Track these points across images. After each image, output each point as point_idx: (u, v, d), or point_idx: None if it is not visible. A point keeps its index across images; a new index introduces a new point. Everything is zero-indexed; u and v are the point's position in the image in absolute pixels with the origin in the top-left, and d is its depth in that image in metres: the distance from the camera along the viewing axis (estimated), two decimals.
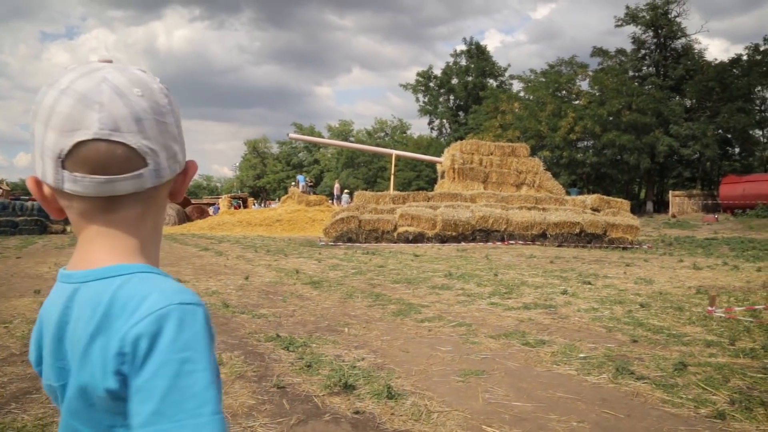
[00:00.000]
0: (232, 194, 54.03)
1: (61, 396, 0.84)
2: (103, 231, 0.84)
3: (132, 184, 0.81)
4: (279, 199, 41.72)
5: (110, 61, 0.85)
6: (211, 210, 38.79)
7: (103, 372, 0.76)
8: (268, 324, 6.10)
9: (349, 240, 17.91)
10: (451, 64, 65.36)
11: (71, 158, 0.78)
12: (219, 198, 45.84)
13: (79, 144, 0.78)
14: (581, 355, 4.87)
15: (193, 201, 42.81)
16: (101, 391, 0.76)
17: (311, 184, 38.07)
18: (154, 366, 0.73)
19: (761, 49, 42.13)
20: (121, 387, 0.75)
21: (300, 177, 37.92)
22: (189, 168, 0.92)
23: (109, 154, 0.79)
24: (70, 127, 0.77)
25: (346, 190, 37.17)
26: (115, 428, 0.80)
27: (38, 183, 0.84)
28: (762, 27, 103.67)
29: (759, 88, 43.00)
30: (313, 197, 31.86)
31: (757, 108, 44.29)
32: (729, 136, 43.20)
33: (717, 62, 44.95)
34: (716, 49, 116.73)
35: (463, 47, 65.55)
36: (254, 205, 49.69)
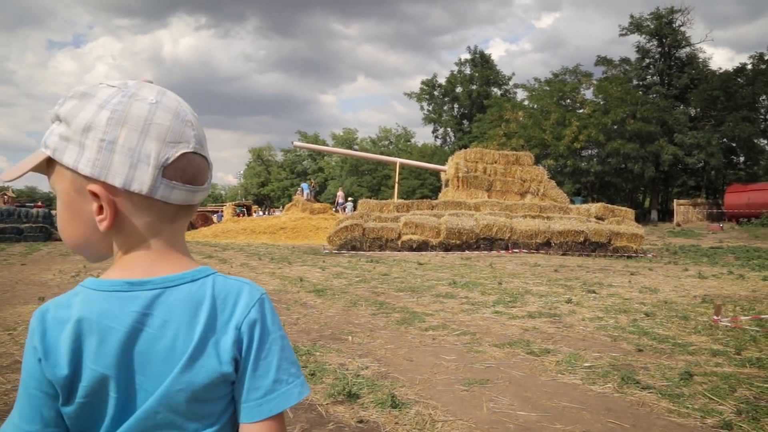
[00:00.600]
0: (236, 202, 54.17)
1: (111, 409, 0.85)
2: (170, 238, 0.92)
3: (204, 194, 0.94)
4: (283, 207, 41.75)
5: (151, 82, 0.93)
6: (214, 217, 38.84)
7: (219, 362, 0.86)
8: None
9: (353, 248, 17.90)
10: (455, 72, 65.50)
11: (172, 167, 0.87)
12: (223, 206, 45.85)
13: (182, 155, 0.88)
14: (586, 364, 4.85)
15: (198, 209, 42.91)
16: (216, 379, 0.86)
17: (316, 189, 38.07)
18: (267, 345, 0.89)
19: (766, 58, 42.09)
20: (233, 371, 0.88)
21: (304, 185, 37.95)
22: None
23: (201, 167, 0.91)
24: (173, 139, 0.87)
25: (350, 198, 37.17)
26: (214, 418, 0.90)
27: (108, 189, 0.86)
28: (766, 36, 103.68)
29: (764, 96, 42.91)
30: (317, 205, 31.90)
31: (762, 117, 44.18)
32: (734, 144, 43.07)
33: (721, 71, 44.91)
34: (721, 58, 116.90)
35: (468, 56, 65.73)
36: (258, 212, 49.76)
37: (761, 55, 42.41)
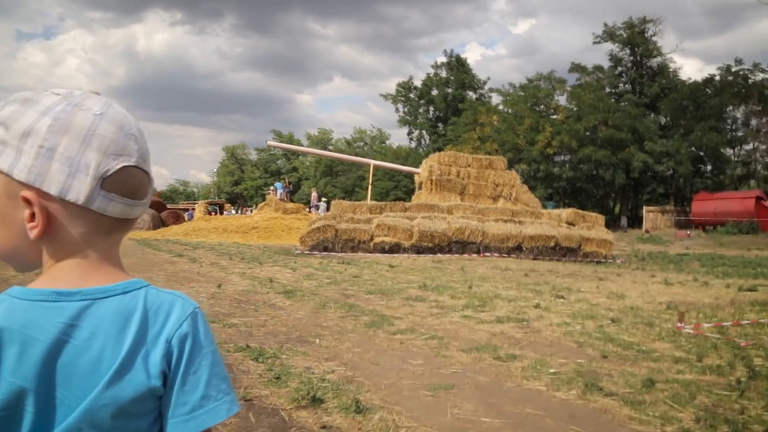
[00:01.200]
0: (209, 200, 53.54)
1: (29, 424, 0.81)
2: (104, 251, 0.90)
3: (143, 209, 0.92)
4: (256, 206, 41.37)
5: (98, 94, 0.92)
6: (186, 216, 38.34)
7: (147, 376, 0.84)
8: (238, 334, 6.01)
9: (325, 249, 17.82)
10: (431, 75, 65.82)
11: (110, 179, 0.85)
12: (195, 204, 45.25)
13: (122, 168, 0.86)
14: (551, 371, 4.88)
15: (169, 206, 42.28)
16: (143, 393, 0.84)
17: (290, 189, 37.71)
18: (197, 359, 0.87)
19: (733, 70, 43.24)
20: (162, 385, 0.85)
21: (278, 184, 37.65)
22: None
23: (142, 181, 0.90)
24: (115, 151, 0.85)
25: (323, 199, 37.02)
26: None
27: (40, 195, 0.84)
28: (734, 49, 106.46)
29: (730, 107, 44.07)
30: (290, 205, 31.69)
31: (729, 127, 45.36)
32: (701, 153, 44.15)
33: (691, 81, 46.07)
34: (690, 69, 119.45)
35: (444, 59, 66.09)
36: (231, 211, 49.25)
37: (728, 68, 43.58)
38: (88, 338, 0.83)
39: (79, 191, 0.84)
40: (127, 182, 0.87)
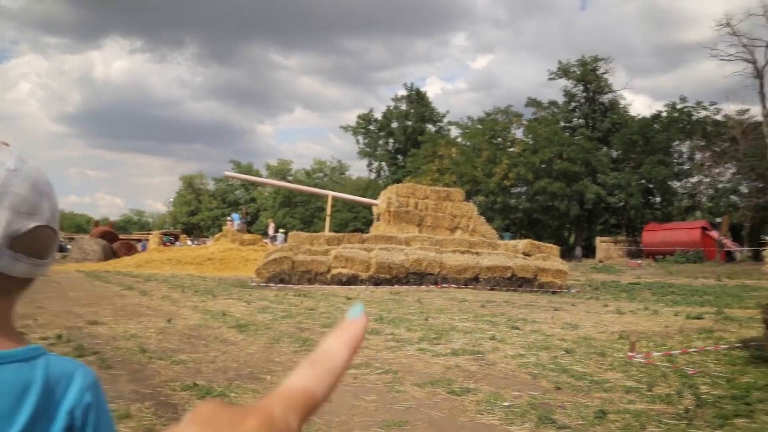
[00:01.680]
0: (164, 230, 52.35)
1: None
2: (1, 313, 0.85)
3: (48, 268, 0.87)
4: (212, 237, 40.60)
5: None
6: (139, 246, 37.33)
7: None
8: (186, 371, 5.81)
9: (282, 281, 17.56)
10: (391, 108, 66.59)
11: (20, 239, 0.81)
12: (149, 234, 44.14)
13: (34, 228, 0.82)
14: (505, 404, 4.85)
15: (121, 236, 41.12)
16: None
17: (247, 220, 37.16)
18: (102, 428, 0.85)
19: (678, 107, 45.25)
20: None
21: (235, 215, 37.12)
22: None
23: (50, 241, 0.86)
24: (27, 210, 0.81)
25: (281, 230, 36.63)
26: None
27: None
28: (679, 87, 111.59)
29: (677, 142, 45.93)
30: (247, 236, 31.23)
31: (675, 161, 47.15)
32: (651, 186, 45.66)
33: (640, 117, 47.88)
34: (640, 105, 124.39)
35: (404, 92, 67.02)
36: (187, 242, 48.23)
37: (674, 105, 45.57)
38: None
39: None
40: (38, 242, 0.84)
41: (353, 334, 0.42)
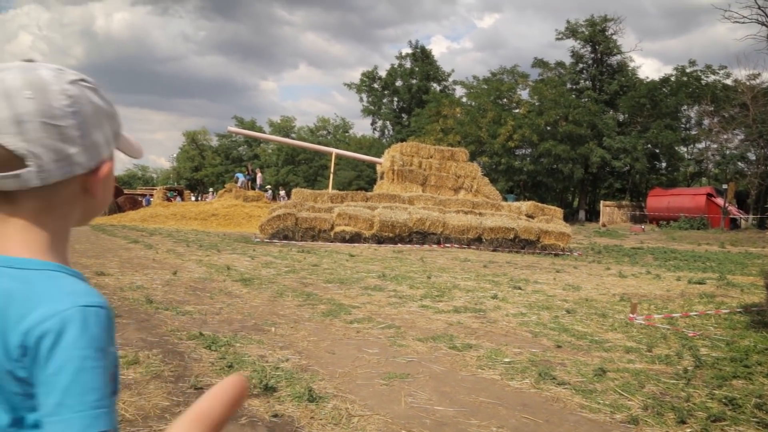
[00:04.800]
0: (168, 186, 52.39)
1: None
2: (12, 222, 0.88)
3: (12, 182, 0.84)
4: (215, 193, 40.54)
5: (31, 60, 0.88)
6: (143, 201, 37.42)
7: (7, 358, 0.81)
8: (192, 321, 5.88)
9: (285, 237, 17.64)
10: (396, 66, 65.68)
11: None
12: (154, 189, 44.16)
13: None
14: (506, 360, 4.92)
15: (126, 191, 41.18)
16: (5, 373, 0.82)
17: (251, 176, 36.93)
18: (57, 362, 0.80)
19: (687, 71, 44.49)
20: (27, 375, 0.81)
21: (239, 174, 37.01)
22: (101, 168, 0.93)
23: None
24: None
25: (269, 186, 36.30)
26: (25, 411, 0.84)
27: None
28: (689, 50, 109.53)
29: (685, 107, 45.34)
30: (251, 192, 31.23)
31: (683, 126, 46.68)
32: (657, 150, 45.28)
33: (648, 80, 47.13)
34: (649, 69, 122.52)
35: (409, 50, 66.01)
36: (191, 197, 48.26)
37: (683, 69, 44.79)
38: None
39: None
40: None
41: (235, 393, 0.37)
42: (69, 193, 0.92)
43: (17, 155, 0.83)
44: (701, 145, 46.15)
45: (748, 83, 38.94)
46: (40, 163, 0.85)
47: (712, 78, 43.84)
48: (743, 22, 36.12)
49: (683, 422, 3.59)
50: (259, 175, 37.15)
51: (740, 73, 40.87)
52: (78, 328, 0.82)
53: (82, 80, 0.91)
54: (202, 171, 79.00)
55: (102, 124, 0.92)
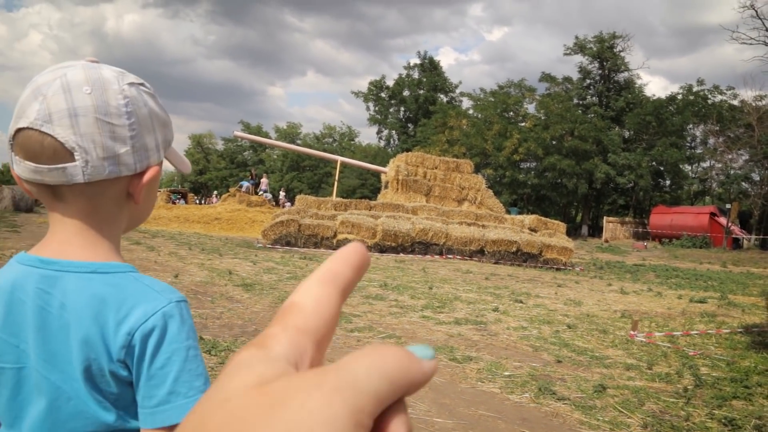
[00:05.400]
0: (172, 188, 52.48)
1: (12, 378, 0.89)
2: (71, 222, 0.90)
3: (57, 175, 0.85)
4: (220, 197, 40.63)
5: (95, 61, 0.91)
6: None
7: (109, 360, 0.86)
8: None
9: (288, 244, 17.66)
10: (403, 76, 65.90)
11: (14, 142, 0.85)
12: (158, 191, 44.19)
13: (19, 130, 0.84)
14: (506, 373, 4.91)
15: None
16: (106, 374, 0.86)
17: (255, 181, 36.95)
18: (165, 355, 0.86)
19: (694, 90, 44.55)
20: (127, 374, 0.87)
21: (244, 182, 37.04)
22: (147, 172, 0.94)
23: (38, 144, 0.84)
24: (18, 114, 0.85)
25: (266, 191, 36.26)
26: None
27: None
28: (697, 70, 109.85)
29: (691, 126, 45.37)
30: (254, 197, 31.30)
31: (688, 144, 46.67)
32: (662, 168, 45.26)
33: (655, 98, 47.16)
34: (655, 86, 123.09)
35: (417, 61, 66.26)
36: (195, 201, 48.37)
37: (690, 88, 44.85)
38: (60, 308, 0.87)
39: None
40: (24, 145, 0.85)
41: (360, 258, 0.35)
42: (113, 195, 0.93)
43: (67, 148, 0.84)
44: (706, 164, 46.11)
45: (754, 104, 38.97)
46: (87, 159, 0.86)
47: (719, 98, 43.87)
48: (750, 44, 36.20)
49: None
50: (264, 180, 37.19)
51: (746, 94, 40.86)
52: (178, 322, 0.88)
53: (142, 84, 0.94)
54: (206, 174, 79.20)
55: (155, 129, 0.94)
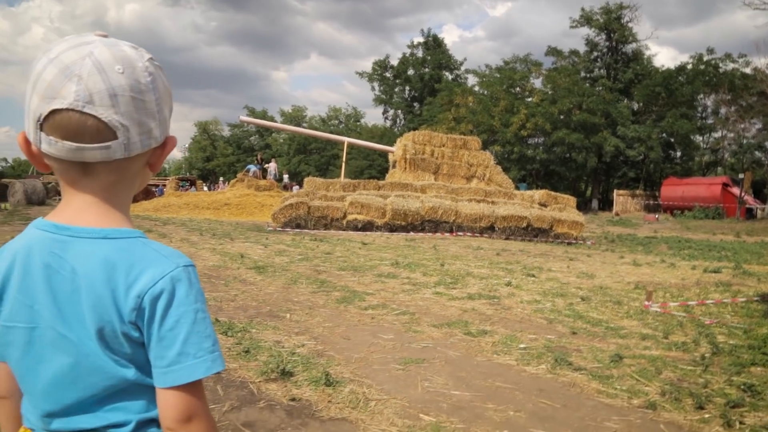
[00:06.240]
0: (180, 176, 52.67)
1: (23, 336, 0.93)
2: (89, 193, 0.94)
3: (100, 153, 0.90)
4: (228, 183, 40.67)
5: (105, 36, 0.93)
6: (156, 191, 37.64)
7: (121, 322, 0.89)
8: (208, 308, 5.91)
9: (298, 226, 17.69)
10: (408, 55, 65.35)
11: (47, 123, 0.87)
12: (166, 179, 44.39)
13: (54, 111, 0.86)
14: (521, 346, 4.91)
15: None
16: (118, 335, 0.90)
17: (262, 165, 36.88)
18: (174, 317, 0.89)
19: (705, 59, 43.83)
20: (138, 334, 0.91)
21: (250, 166, 37.04)
22: (167, 143, 1.00)
23: (81, 124, 0.87)
24: (50, 95, 0.86)
25: (285, 175, 36.27)
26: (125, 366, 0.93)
27: (27, 140, 0.92)
28: (707, 38, 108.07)
29: (701, 96, 44.75)
30: (263, 182, 31.33)
31: (699, 115, 46.09)
32: (672, 140, 44.81)
33: (664, 69, 46.53)
34: (664, 57, 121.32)
35: (421, 39, 65.66)
36: (204, 187, 48.51)
37: (700, 57, 44.13)
38: (71, 272, 0.90)
39: (30, 134, 0.90)
40: (62, 125, 0.87)
41: None
42: (138, 165, 0.99)
43: (110, 127, 0.89)
44: (717, 135, 45.57)
45: (767, 71, 38.32)
46: (128, 135, 0.91)
47: (730, 66, 43.11)
48: (764, 8, 35.41)
49: (701, 408, 3.57)
50: (273, 164, 37.14)
51: (759, 61, 40.15)
52: (186, 285, 0.92)
53: (152, 58, 0.97)
54: (213, 161, 79.34)
55: (168, 101, 1.00)
